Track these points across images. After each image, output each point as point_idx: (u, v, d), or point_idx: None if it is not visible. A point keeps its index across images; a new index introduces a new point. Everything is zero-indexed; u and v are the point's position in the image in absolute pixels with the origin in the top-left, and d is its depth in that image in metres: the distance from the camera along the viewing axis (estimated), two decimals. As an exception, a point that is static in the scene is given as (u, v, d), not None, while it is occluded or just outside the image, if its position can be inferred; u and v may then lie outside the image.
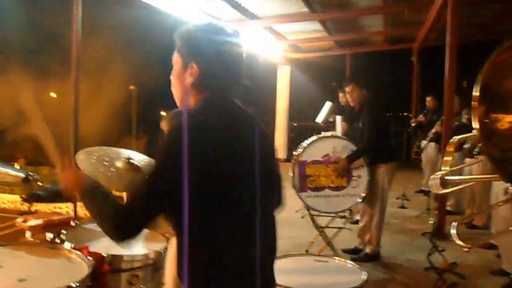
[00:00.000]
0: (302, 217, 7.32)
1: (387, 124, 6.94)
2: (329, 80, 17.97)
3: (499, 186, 5.80)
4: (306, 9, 9.20)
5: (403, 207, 9.26)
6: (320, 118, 9.15)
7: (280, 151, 10.67)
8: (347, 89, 6.36)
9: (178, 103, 2.10)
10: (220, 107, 1.98)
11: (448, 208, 8.33)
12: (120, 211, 1.90)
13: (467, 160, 6.79)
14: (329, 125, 9.18)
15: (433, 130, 8.97)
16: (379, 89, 7.75)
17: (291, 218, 7.38)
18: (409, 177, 10.51)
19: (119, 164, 2.83)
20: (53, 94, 17.48)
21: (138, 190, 1.91)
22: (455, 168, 6.54)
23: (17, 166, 3.02)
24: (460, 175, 7.85)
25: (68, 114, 6.04)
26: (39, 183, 2.76)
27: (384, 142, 6.10)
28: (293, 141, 15.59)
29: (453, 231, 3.33)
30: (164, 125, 3.97)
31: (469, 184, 5.55)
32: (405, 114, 20.33)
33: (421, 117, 10.36)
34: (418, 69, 13.39)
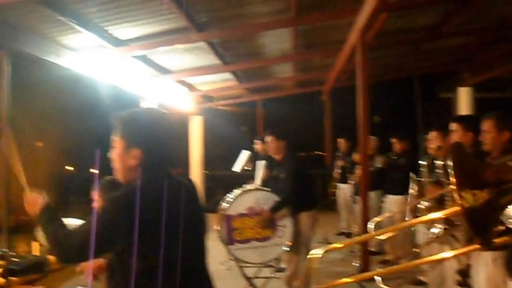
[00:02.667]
0: (228, 270, 7.70)
1: (307, 172, 7.44)
2: (243, 127, 18.68)
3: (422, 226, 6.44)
4: (218, 61, 9.69)
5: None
6: (237, 167, 9.62)
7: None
8: (267, 139, 6.87)
9: (120, 178, 2.55)
10: (156, 181, 2.43)
11: (371, 248, 8.83)
12: (69, 240, 2.38)
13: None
14: (247, 172, 9.65)
15: (358, 174, 9.46)
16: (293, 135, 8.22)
17: (216, 270, 7.64)
18: (327, 219, 11.04)
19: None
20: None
21: (86, 230, 2.30)
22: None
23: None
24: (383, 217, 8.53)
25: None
26: (13, 259, 3.09)
27: (305, 191, 6.62)
28: (211, 191, 15.94)
29: (377, 278, 3.86)
30: (95, 195, 4.24)
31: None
32: (319, 153, 21.23)
33: (340, 162, 11.01)
34: (329, 109, 14.11)
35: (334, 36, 9.15)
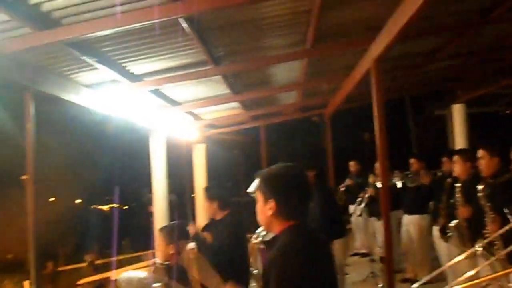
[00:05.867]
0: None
1: (335, 199, 7.50)
2: (247, 153, 18.66)
3: (442, 246, 6.57)
4: (228, 91, 9.71)
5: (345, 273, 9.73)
6: (251, 189, 9.61)
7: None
8: None
9: (264, 228, 2.95)
10: (300, 233, 2.67)
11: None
12: None
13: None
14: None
15: (367, 194, 9.57)
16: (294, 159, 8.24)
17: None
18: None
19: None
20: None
21: None
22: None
23: None
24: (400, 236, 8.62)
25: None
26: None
27: (336, 218, 6.67)
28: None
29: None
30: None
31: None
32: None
33: (348, 181, 11.07)
34: (330, 132, 14.14)
35: (342, 62, 9.24)
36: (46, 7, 5.20)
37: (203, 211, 13.63)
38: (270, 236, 6.41)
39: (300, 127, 19.10)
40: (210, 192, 5.35)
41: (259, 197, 2.79)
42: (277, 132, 17.44)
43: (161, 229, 4.40)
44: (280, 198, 2.67)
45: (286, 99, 12.58)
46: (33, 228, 6.48)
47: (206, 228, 6.05)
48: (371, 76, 7.36)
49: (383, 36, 6.70)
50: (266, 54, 8.06)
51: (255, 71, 9.15)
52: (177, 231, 4.27)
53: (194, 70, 7.93)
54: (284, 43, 7.69)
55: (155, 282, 3.38)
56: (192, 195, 15.64)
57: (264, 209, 2.73)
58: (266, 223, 2.78)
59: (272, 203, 2.67)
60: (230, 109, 12.28)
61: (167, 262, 4.36)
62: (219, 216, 5.29)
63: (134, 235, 11.57)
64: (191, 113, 11.72)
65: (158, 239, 4.33)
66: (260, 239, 6.40)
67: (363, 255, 10.65)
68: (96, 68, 7.14)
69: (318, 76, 10.26)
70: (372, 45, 7.28)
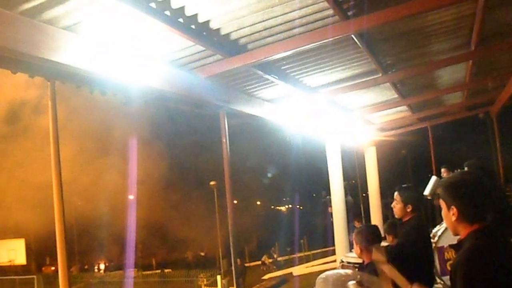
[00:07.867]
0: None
1: (506, 197, 7.33)
2: (414, 154, 18.57)
3: None
4: (396, 96, 9.93)
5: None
6: (427, 191, 9.65)
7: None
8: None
9: (452, 233, 2.89)
10: (485, 236, 2.72)
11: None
12: None
13: None
14: (435, 197, 9.67)
15: None
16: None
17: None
18: None
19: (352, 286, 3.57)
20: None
21: None
22: None
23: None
24: None
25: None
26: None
27: (508, 217, 6.52)
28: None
29: None
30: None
31: None
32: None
33: None
34: (498, 128, 13.72)
35: (507, 59, 9.07)
36: (234, 36, 5.83)
37: (376, 211, 13.89)
38: (450, 237, 6.59)
39: (467, 125, 18.65)
40: (405, 195, 5.21)
41: (443, 205, 2.87)
42: (443, 131, 17.15)
43: (355, 231, 4.72)
44: (461, 205, 2.76)
45: (452, 99, 12.53)
46: (232, 229, 7.17)
47: (388, 230, 6.18)
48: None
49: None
50: (431, 59, 8.22)
51: (421, 75, 9.25)
52: (369, 233, 4.53)
53: (364, 79, 8.31)
54: (449, 47, 7.77)
55: (350, 280, 3.65)
56: (364, 195, 15.90)
57: (448, 216, 2.83)
58: (452, 228, 2.85)
59: (454, 210, 2.76)
60: (397, 113, 12.45)
61: (358, 261, 4.66)
62: (407, 217, 5.26)
63: (311, 234, 12.03)
64: (362, 118, 12.02)
65: (353, 240, 4.65)
66: (436, 238, 6.55)
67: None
68: (276, 84, 7.77)
69: (483, 75, 10.11)
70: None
